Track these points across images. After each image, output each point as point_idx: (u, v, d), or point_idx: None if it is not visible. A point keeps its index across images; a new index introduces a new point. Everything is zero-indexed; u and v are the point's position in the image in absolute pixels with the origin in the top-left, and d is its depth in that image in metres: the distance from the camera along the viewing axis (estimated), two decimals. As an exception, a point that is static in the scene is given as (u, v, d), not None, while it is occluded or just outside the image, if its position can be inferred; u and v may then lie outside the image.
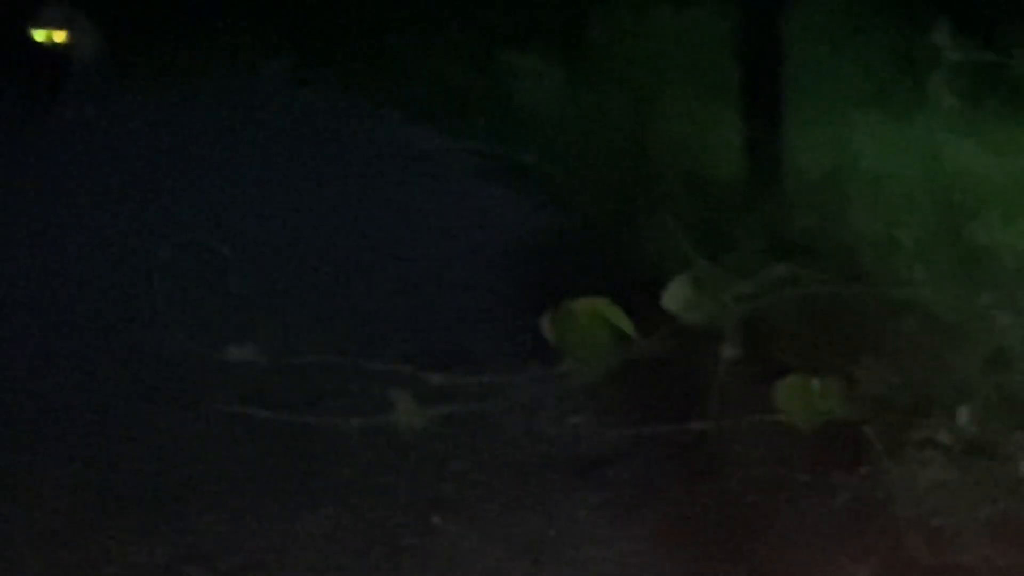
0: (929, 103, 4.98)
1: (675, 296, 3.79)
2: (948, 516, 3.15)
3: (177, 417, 3.95)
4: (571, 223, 6.04)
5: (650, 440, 3.69)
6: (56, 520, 3.35)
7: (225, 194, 6.76)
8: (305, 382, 4.09)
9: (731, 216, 5.05)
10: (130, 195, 6.76)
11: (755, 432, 3.61)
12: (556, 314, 3.75)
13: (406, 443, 3.68)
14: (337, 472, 3.61)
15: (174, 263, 5.58)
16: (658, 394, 4.01)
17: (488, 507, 3.41)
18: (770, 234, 4.75)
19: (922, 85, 4.99)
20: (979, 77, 5.23)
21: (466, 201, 6.54)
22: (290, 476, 3.60)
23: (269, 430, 3.79)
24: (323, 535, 3.26)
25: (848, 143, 5.25)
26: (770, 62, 5.38)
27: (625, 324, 3.71)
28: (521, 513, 3.37)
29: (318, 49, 10.20)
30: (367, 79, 9.42)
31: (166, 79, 9.97)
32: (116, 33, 10.24)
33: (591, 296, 3.77)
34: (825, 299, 3.98)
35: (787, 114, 5.34)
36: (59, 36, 8.32)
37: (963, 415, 3.38)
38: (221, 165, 7.43)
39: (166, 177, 7.15)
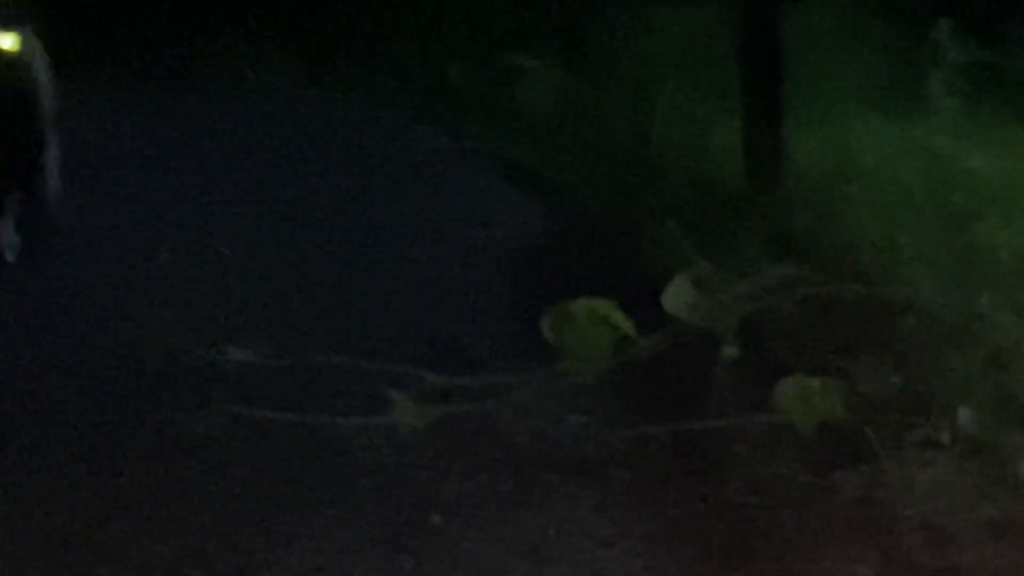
0: (929, 103, 4.98)
1: (675, 296, 3.81)
2: (948, 516, 3.15)
3: (177, 417, 3.95)
4: (571, 223, 6.04)
5: (650, 440, 3.69)
6: (56, 520, 3.35)
7: (225, 194, 6.76)
8: (305, 382, 4.10)
9: (731, 216, 5.06)
10: (130, 195, 6.77)
11: (755, 432, 3.62)
12: (556, 314, 3.77)
13: (406, 443, 3.69)
14: (337, 472, 3.61)
15: (174, 263, 5.59)
16: (658, 394, 4.00)
17: (488, 507, 3.40)
18: (770, 234, 4.75)
19: (922, 85, 5.00)
20: (979, 77, 5.24)
21: (466, 201, 6.54)
22: (290, 476, 3.60)
23: (269, 430, 3.79)
24: (322, 535, 3.26)
25: (848, 143, 5.26)
26: (770, 62, 5.38)
27: (625, 324, 3.73)
28: (521, 513, 3.36)
29: (318, 49, 10.20)
30: (368, 79, 9.42)
31: (167, 79, 9.98)
32: (115, 33, 10.27)
33: (591, 296, 3.79)
34: (825, 299, 3.99)
35: (787, 114, 5.35)
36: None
37: (963, 415, 3.39)
38: (222, 165, 7.44)
39: (166, 177, 7.15)
